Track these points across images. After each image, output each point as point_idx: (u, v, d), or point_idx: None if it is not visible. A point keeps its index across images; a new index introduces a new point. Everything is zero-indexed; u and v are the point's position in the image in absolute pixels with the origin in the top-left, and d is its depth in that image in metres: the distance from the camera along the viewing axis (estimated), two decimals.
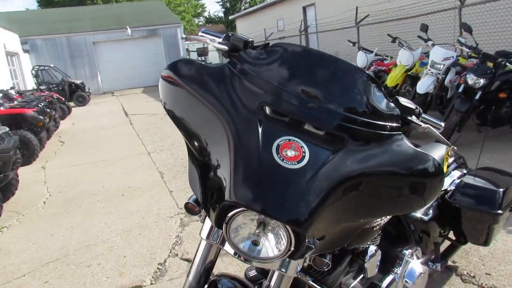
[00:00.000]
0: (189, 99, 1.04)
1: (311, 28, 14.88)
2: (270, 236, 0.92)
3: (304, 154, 0.89)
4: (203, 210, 1.09)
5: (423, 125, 1.12)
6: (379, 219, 1.23)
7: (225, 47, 1.16)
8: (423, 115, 1.13)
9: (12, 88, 9.01)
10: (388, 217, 1.30)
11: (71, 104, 13.94)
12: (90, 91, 16.03)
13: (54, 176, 5.40)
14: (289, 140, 0.91)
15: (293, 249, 0.89)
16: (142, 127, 8.45)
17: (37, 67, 15.73)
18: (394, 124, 1.00)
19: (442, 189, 1.87)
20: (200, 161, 1.06)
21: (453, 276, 2.20)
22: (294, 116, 0.94)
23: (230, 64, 1.05)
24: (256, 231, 0.91)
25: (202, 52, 22.17)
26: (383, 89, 1.09)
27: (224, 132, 0.95)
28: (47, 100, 8.14)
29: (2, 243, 3.34)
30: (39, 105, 6.97)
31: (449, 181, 1.94)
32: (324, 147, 0.91)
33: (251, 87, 0.98)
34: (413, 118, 1.10)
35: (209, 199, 0.99)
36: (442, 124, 1.19)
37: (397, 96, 1.09)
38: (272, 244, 0.93)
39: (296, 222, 0.84)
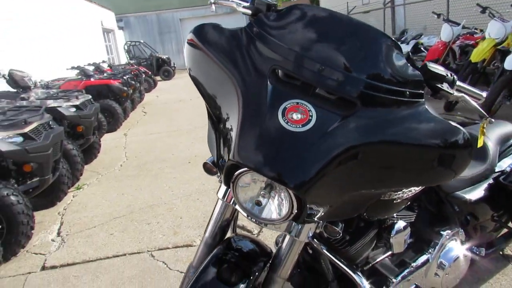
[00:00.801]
0: (208, 61, 1.06)
1: (398, 0, 13.92)
2: (276, 197, 0.93)
3: (310, 117, 0.87)
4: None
5: (456, 93, 1.03)
6: (400, 191, 1.17)
7: (249, 11, 1.16)
8: (458, 83, 1.03)
9: (103, 61, 9.80)
10: (413, 190, 1.22)
11: (158, 78, 14.80)
12: (175, 66, 16.87)
13: (133, 143, 5.86)
14: (297, 103, 0.89)
15: (296, 212, 0.89)
16: None
17: (129, 42, 16.89)
18: (415, 91, 0.93)
19: (498, 170, 1.70)
20: (216, 123, 1.09)
21: (509, 266, 2.01)
22: (307, 80, 0.91)
23: (248, 27, 1.05)
24: (262, 192, 0.92)
25: None
26: (410, 54, 1.02)
27: (236, 95, 0.97)
28: (132, 73, 8.76)
29: (82, 198, 3.76)
30: (124, 77, 7.53)
31: (508, 162, 1.75)
32: (334, 112, 0.88)
33: (265, 50, 0.97)
34: (444, 86, 1.01)
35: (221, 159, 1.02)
36: (483, 94, 1.08)
37: (427, 62, 1.01)
38: (277, 206, 0.94)
39: (296, 186, 0.83)
